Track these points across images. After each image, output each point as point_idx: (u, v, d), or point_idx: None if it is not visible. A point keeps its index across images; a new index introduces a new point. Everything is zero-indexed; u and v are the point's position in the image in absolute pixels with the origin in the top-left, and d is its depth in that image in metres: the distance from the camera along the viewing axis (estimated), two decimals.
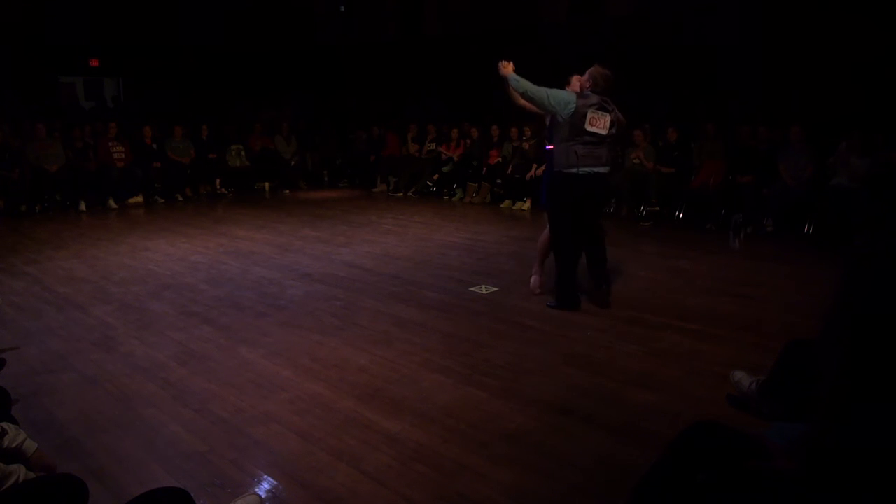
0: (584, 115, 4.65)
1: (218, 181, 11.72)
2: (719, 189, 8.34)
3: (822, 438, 1.68)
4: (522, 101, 4.90)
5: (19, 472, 2.09)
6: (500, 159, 10.55)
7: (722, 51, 9.38)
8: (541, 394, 3.56)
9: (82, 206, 9.99)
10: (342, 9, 14.94)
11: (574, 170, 4.71)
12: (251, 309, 5.11)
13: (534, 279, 5.40)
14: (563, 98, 4.68)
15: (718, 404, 3.38)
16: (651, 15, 10.25)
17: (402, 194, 11.64)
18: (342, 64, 15.02)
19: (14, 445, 2.28)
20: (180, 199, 11.05)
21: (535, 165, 9.77)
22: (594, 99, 4.69)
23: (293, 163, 12.59)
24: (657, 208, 8.91)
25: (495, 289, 5.56)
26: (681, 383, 3.67)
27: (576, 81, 4.94)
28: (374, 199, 11.37)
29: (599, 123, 4.70)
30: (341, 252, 7.09)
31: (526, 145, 10.15)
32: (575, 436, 3.11)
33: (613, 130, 4.80)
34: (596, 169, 4.78)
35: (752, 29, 9.15)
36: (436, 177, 11.47)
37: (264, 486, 2.72)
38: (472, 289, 5.58)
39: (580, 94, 4.72)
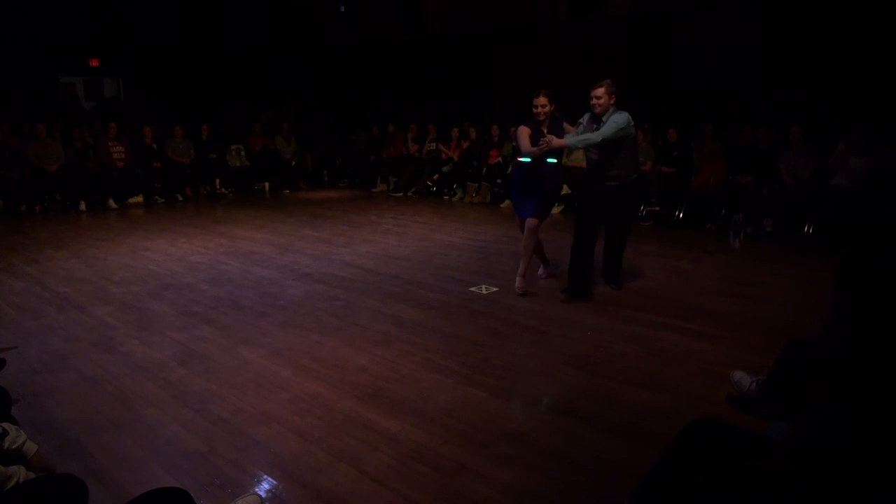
0: None
1: (218, 181, 11.72)
2: (719, 189, 8.34)
3: (821, 438, 1.68)
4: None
5: (19, 473, 2.09)
6: (499, 159, 10.54)
7: (722, 51, 9.37)
8: (541, 394, 3.56)
9: (82, 206, 9.99)
10: (342, 9, 14.93)
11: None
12: (251, 309, 5.11)
13: (521, 280, 5.48)
14: (630, 119, 4.94)
15: (718, 404, 3.38)
16: (651, 15, 10.25)
17: (402, 194, 11.63)
18: (342, 64, 15.02)
19: (15, 447, 2.28)
20: (180, 199, 11.05)
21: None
22: None
23: (293, 163, 12.58)
24: (657, 208, 8.91)
25: (495, 289, 5.56)
26: (681, 383, 3.67)
27: (544, 100, 5.17)
28: (374, 199, 11.37)
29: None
30: (341, 252, 7.09)
31: None
32: (575, 436, 3.11)
33: None
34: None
35: (752, 29, 9.14)
36: (436, 177, 11.46)
37: (264, 486, 2.72)
38: (472, 289, 5.58)
39: (619, 110, 4.95)
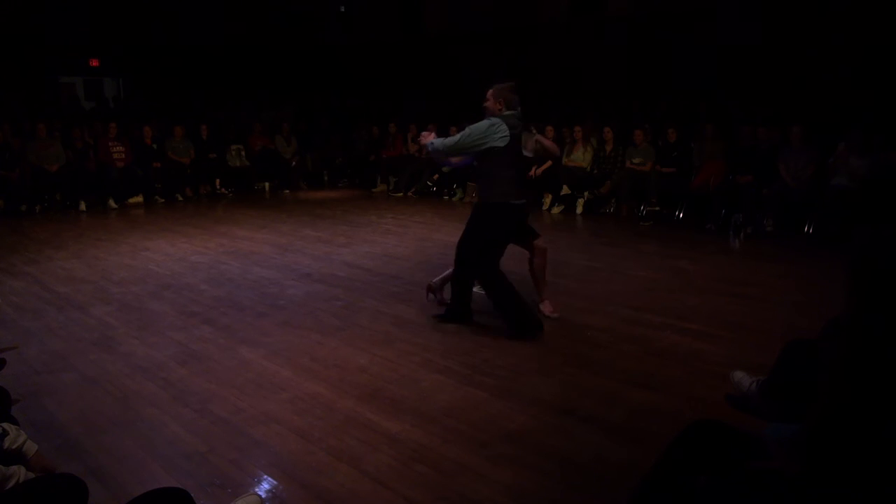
0: (521, 140, 4.32)
1: (218, 181, 11.72)
2: (719, 189, 8.34)
3: (821, 438, 1.68)
4: (454, 160, 4.63)
5: (19, 473, 2.09)
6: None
7: (722, 50, 9.38)
8: (541, 394, 3.56)
9: (82, 206, 9.99)
10: (342, 9, 14.94)
11: (515, 201, 4.38)
12: (251, 309, 5.11)
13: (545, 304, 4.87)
14: (489, 128, 4.24)
15: (718, 404, 3.38)
16: (651, 15, 10.25)
17: (402, 194, 11.63)
18: (342, 64, 15.02)
19: (15, 447, 2.28)
20: (180, 199, 11.04)
21: (535, 165, 9.77)
22: (515, 121, 4.31)
23: (293, 163, 12.59)
24: (657, 208, 8.91)
25: None
26: (681, 383, 3.67)
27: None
28: (374, 199, 11.37)
29: (528, 146, 4.37)
30: (341, 252, 7.09)
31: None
32: (575, 436, 3.11)
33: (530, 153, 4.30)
34: (522, 201, 4.45)
35: (752, 29, 9.15)
36: (436, 177, 11.46)
37: (264, 486, 2.72)
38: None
39: (499, 117, 4.27)
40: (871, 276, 1.65)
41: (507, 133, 4.25)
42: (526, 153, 4.27)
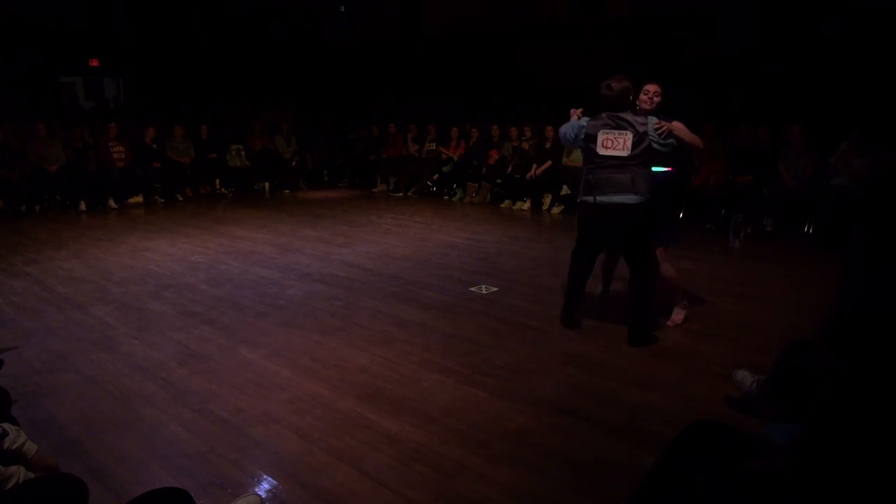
0: (595, 138, 4.26)
1: (218, 181, 11.71)
2: (719, 189, 8.34)
3: (820, 438, 1.68)
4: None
5: (19, 473, 2.09)
6: (502, 155, 10.54)
7: (722, 50, 9.37)
8: (541, 394, 3.56)
9: (82, 206, 9.99)
10: (342, 9, 14.94)
11: (589, 198, 4.30)
12: (251, 309, 5.11)
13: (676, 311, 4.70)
14: (571, 127, 4.44)
15: (718, 404, 3.38)
16: (651, 15, 10.25)
17: (402, 194, 11.63)
18: (342, 64, 15.01)
19: (15, 447, 2.28)
20: (180, 199, 11.04)
21: (535, 165, 9.78)
22: (604, 118, 4.27)
23: (293, 163, 12.58)
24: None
25: (495, 289, 5.57)
26: (681, 383, 3.68)
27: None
28: (374, 199, 11.37)
29: (617, 145, 4.16)
30: (341, 252, 7.09)
31: (526, 145, 10.16)
32: (575, 436, 3.11)
33: (639, 150, 4.15)
34: (614, 198, 4.17)
35: (752, 29, 9.14)
36: (436, 177, 11.47)
37: (264, 486, 2.72)
38: (472, 289, 5.58)
39: (595, 116, 4.36)
40: (867, 276, 1.65)
41: (584, 133, 4.37)
42: (612, 153, 4.22)
